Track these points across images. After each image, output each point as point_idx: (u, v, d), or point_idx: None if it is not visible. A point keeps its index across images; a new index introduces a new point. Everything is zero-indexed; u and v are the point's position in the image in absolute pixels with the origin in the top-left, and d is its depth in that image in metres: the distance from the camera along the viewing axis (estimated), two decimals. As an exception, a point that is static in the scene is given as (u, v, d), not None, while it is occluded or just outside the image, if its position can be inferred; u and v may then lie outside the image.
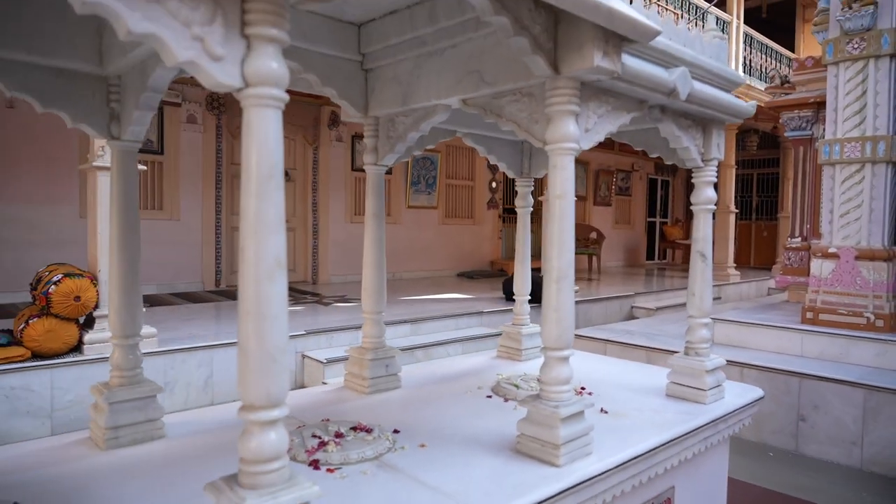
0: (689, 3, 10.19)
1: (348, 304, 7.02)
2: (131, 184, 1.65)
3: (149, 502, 1.31)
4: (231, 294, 7.55)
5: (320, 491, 1.05)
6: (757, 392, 2.34)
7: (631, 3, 1.54)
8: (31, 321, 4.07)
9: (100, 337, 4.26)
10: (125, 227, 1.64)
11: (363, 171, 9.28)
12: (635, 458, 1.67)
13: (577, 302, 7.77)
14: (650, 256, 15.36)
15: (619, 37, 1.45)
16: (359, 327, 5.57)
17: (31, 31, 1.42)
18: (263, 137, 0.97)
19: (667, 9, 9.80)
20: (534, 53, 1.43)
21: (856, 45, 4.20)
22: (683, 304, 9.60)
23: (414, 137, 2.02)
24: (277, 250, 0.99)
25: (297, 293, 7.79)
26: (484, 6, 1.30)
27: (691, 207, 2.17)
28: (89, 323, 4.33)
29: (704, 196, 2.13)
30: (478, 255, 11.22)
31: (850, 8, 4.15)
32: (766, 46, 12.43)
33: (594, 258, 11.42)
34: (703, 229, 2.17)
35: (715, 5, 11.14)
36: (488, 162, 11.28)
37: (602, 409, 1.99)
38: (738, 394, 2.27)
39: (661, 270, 13.45)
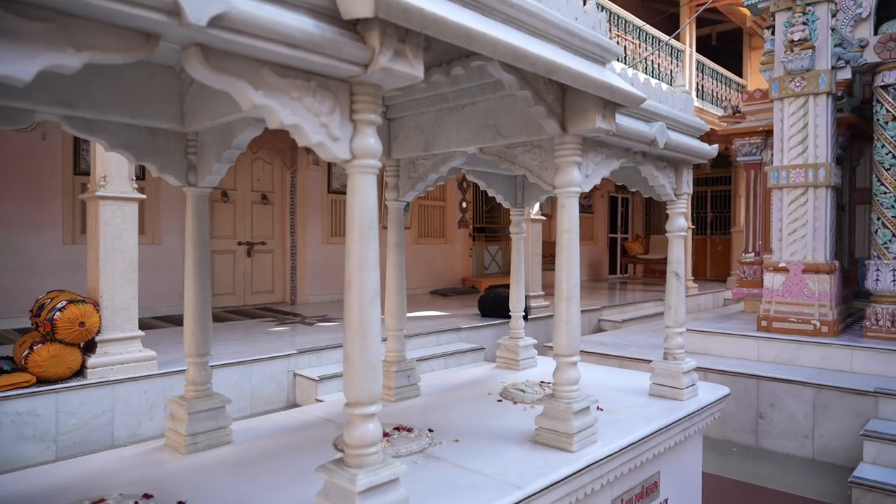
0: (646, 34, 10.83)
1: (331, 323, 7.25)
2: (203, 222, 1.92)
3: (262, 485, 1.59)
4: (215, 316, 7.68)
5: (406, 469, 1.36)
6: (724, 390, 2.73)
7: (633, 83, 1.91)
8: (35, 347, 4.20)
9: (102, 361, 4.40)
10: (199, 259, 1.91)
11: (339, 193, 9.53)
12: (631, 444, 2.02)
13: (545, 316, 8.17)
14: (612, 271, 15.96)
15: (614, 104, 1.82)
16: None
17: (131, 96, 1.70)
18: (365, 197, 1.29)
19: (626, 38, 10.43)
20: (548, 117, 1.78)
21: (797, 84, 4.73)
22: (648, 316, 10.13)
23: (433, 178, 2.35)
24: (376, 284, 1.30)
25: (279, 314, 7.97)
26: (512, 82, 1.64)
27: (666, 234, 2.55)
28: (90, 347, 4.47)
29: (677, 224, 2.52)
30: (450, 273, 11.55)
31: (792, 51, 4.69)
32: (717, 72, 13.24)
33: (549, 272, 11.88)
34: (676, 252, 2.55)
35: (669, 35, 11.88)
36: (458, 182, 11.69)
37: (598, 407, 2.33)
38: (709, 392, 2.65)
39: (623, 284, 14.03)
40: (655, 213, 16.83)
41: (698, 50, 12.77)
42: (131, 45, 0.97)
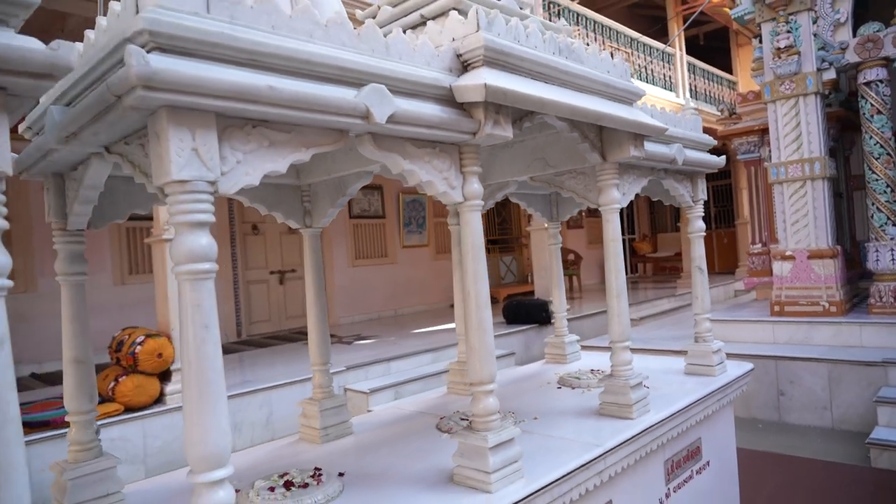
0: (638, 42, 11.34)
1: (367, 340, 7.68)
2: (318, 254, 2.38)
3: (395, 458, 2.03)
4: (254, 342, 8.13)
5: (520, 431, 1.79)
6: (748, 366, 3.15)
7: (654, 115, 2.36)
8: (120, 379, 4.65)
9: (178, 388, 4.84)
10: (318, 287, 2.36)
11: (360, 218, 9.96)
12: (678, 411, 2.45)
13: (568, 319, 8.59)
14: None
15: (643, 136, 2.27)
16: (388, 360, 6.25)
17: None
18: (474, 227, 1.74)
19: (619, 49, 10.93)
20: (591, 151, 2.23)
21: (787, 87, 5.19)
22: (663, 313, 10.52)
23: (490, 203, 2.80)
24: (487, 291, 1.75)
25: (316, 336, 8.40)
26: (564, 127, 2.10)
27: (689, 235, 2.99)
28: (167, 376, 4.91)
29: (697, 226, 2.96)
30: (469, 286, 11.97)
31: (780, 57, 5.15)
32: (708, 72, 13.73)
33: (574, 278, 12.30)
34: (697, 250, 3.00)
35: (659, 39, 12.40)
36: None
37: (644, 385, 2.76)
38: (736, 368, 3.08)
39: (635, 284, 14.41)
40: (659, 212, 17.25)
41: (687, 51, 13.26)
42: (334, 140, 1.42)
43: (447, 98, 1.62)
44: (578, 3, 10.07)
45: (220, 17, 1.18)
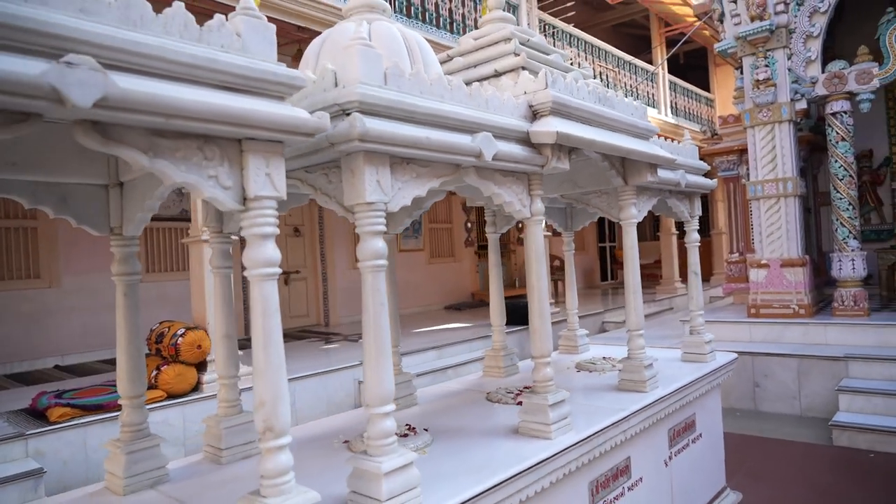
0: (623, 61, 12.03)
1: (360, 340, 8.15)
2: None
3: (466, 419, 2.54)
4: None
5: (569, 394, 2.32)
6: (733, 355, 3.74)
7: (663, 147, 2.93)
8: (162, 368, 5.07)
9: (213, 377, 5.27)
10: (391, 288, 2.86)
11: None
12: (681, 388, 3.01)
13: (556, 322, 9.17)
14: (604, 278, 17.05)
15: (658, 165, 2.84)
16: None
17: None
18: (538, 237, 2.27)
19: (607, 67, 11.61)
20: (616, 177, 2.79)
21: (765, 114, 5.85)
22: (647, 317, 11.15)
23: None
24: (546, 285, 2.28)
25: (320, 334, 8.86)
26: (598, 158, 2.65)
27: (686, 244, 3.56)
28: (202, 367, 5.34)
29: (693, 238, 3.55)
30: (460, 289, 12.52)
31: (759, 88, 5.81)
32: (688, 90, 14.52)
33: (559, 283, 12.91)
34: (693, 257, 3.58)
35: (642, 58, 13.12)
36: (463, 205, 12.70)
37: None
38: (723, 357, 3.65)
39: (615, 289, 15.09)
40: (639, 222, 17.93)
41: (669, 69, 14.04)
42: (452, 172, 1.94)
43: (524, 139, 2.15)
44: (569, 25, 10.71)
45: (391, 87, 1.70)
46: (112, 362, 7.00)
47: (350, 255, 10.34)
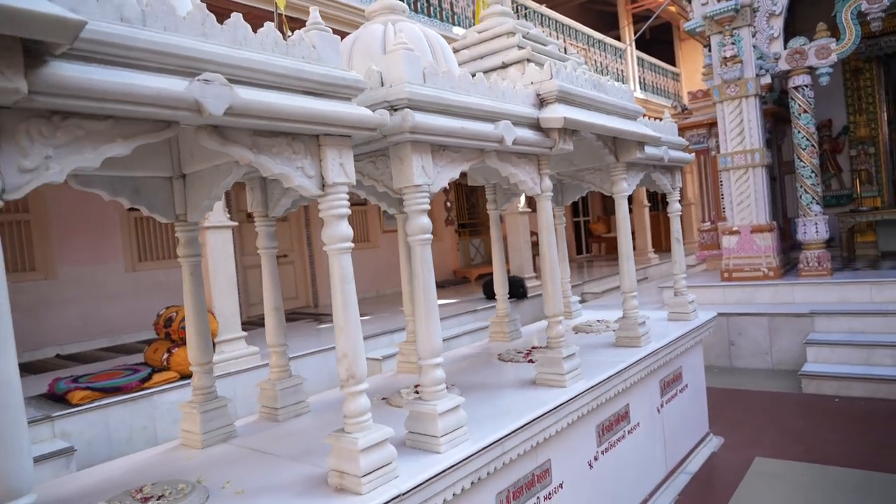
0: (593, 39, 12.33)
1: (365, 317, 8.42)
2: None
3: (488, 375, 2.85)
4: (254, 322, 8.74)
5: (578, 348, 2.65)
6: (714, 313, 4.13)
7: (649, 126, 3.24)
8: (173, 350, 5.27)
9: (221, 358, 5.49)
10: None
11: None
12: (667, 343, 3.37)
13: (538, 295, 9.56)
14: (579, 251, 17.53)
15: (645, 143, 3.15)
16: (391, 332, 7.00)
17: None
18: (549, 213, 2.57)
19: (576, 45, 11.89)
20: (609, 155, 3.10)
21: (732, 90, 6.22)
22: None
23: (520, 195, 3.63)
24: (556, 253, 2.59)
25: (312, 315, 9.09)
26: (593, 138, 2.95)
27: (668, 214, 3.91)
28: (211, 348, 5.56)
29: (675, 208, 3.89)
30: (443, 267, 12.82)
31: (726, 65, 6.17)
32: (655, 66, 14.92)
33: (535, 258, 13.32)
34: (675, 225, 3.93)
35: (609, 33, 13.44)
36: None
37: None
38: (705, 314, 4.03)
39: (591, 262, 15.57)
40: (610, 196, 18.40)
41: (636, 45, 14.39)
42: (476, 156, 2.22)
43: (535, 124, 2.44)
44: (539, 4, 10.95)
45: (430, 84, 1.97)
46: (111, 349, 7.14)
47: (336, 238, 10.52)
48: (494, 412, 2.30)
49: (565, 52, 3.00)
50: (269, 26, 1.53)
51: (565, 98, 2.51)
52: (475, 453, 1.95)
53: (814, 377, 4.99)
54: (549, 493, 2.44)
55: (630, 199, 14.99)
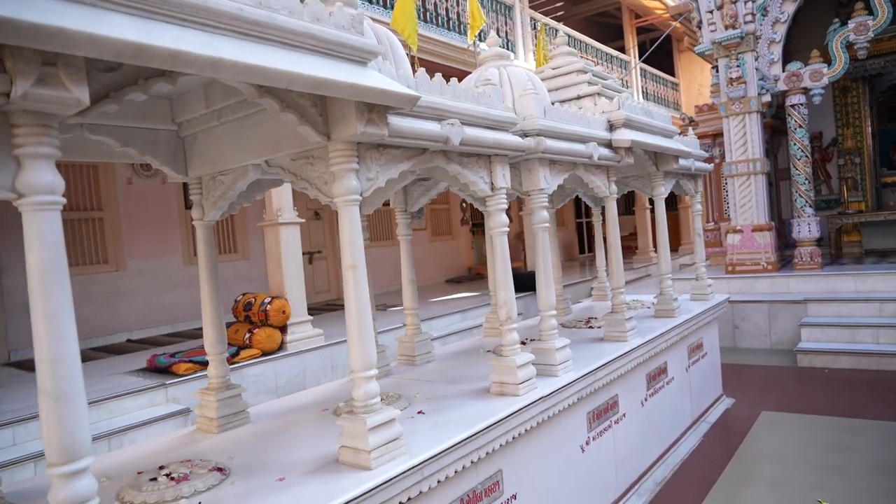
0: (602, 52, 13.23)
1: (396, 308, 9.21)
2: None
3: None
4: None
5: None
6: (726, 296, 4.99)
7: (686, 145, 4.09)
8: (254, 330, 6.06)
9: (293, 338, 6.27)
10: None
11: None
12: (693, 316, 4.21)
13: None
14: (581, 251, 18.41)
15: (679, 156, 3.99)
16: (428, 319, 7.78)
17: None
18: (614, 210, 3.41)
19: (585, 57, 12.77)
20: (651, 165, 3.93)
21: (737, 107, 7.11)
22: (632, 281, 12.56)
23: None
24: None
25: (342, 307, 9.85)
26: (640, 154, 3.79)
27: (692, 213, 4.75)
28: (284, 329, 6.34)
29: (697, 208, 4.74)
30: (458, 264, 13.66)
31: (732, 85, 7.06)
32: (657, 76, 15.84)
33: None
34: (697, 223, 4.77)
35: (613, 45, 14.33)
36: (458, 187, 13.77)
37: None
38: (720, 297, 4.89)
39: (591, 262, 16.44)
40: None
41: (637, 56, 15.31)
42: (571, 169, 3.05)
43: (608, 144, 3.27)
44: (557, 23, 11.82)
45: (549, 117, 2.80)
46: (173, 335, 7.89)
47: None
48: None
49: (622, 85, 3.84)
50: (467, 81, 2.35)
51: (629, 123, 3.35)
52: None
53: (807, 353, 5.86)
54: (618, 420, 3.26)
55: (632, 201, 15.85)
